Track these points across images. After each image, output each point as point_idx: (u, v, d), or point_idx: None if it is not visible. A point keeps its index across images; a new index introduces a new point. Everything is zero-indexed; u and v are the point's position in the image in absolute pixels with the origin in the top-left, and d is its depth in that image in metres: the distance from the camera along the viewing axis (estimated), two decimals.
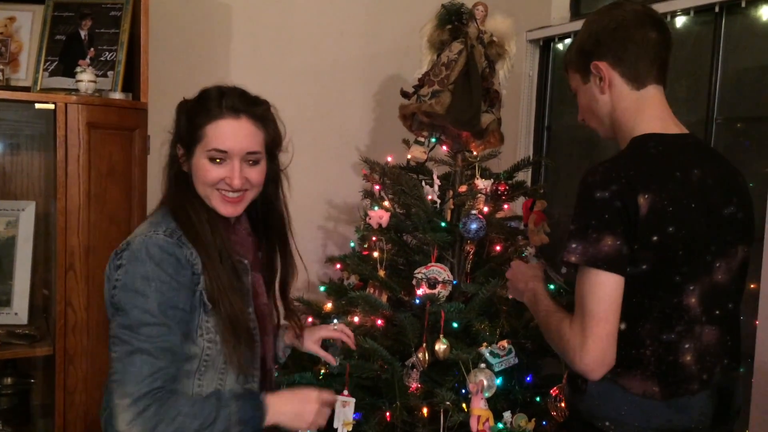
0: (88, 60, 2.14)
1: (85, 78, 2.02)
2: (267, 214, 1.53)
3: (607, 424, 1.32)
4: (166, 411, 1.25)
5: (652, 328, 1.30)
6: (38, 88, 2.16)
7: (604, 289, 1.24)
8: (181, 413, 1.26)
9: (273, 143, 1.45)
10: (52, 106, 1.93)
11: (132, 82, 2.20)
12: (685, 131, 1.41)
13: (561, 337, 1.31)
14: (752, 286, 2.25)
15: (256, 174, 1.40)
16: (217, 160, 1.36)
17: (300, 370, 2.16)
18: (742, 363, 2.22)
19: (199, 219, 1.38)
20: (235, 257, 1.41)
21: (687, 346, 1.31)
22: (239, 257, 1.43)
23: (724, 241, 1.34)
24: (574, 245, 1.26)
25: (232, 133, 1.36)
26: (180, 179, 1.42)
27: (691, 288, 1.30)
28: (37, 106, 1.93)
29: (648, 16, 1.39)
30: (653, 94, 1.40)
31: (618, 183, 1.25)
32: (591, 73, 1.43)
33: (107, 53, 2.20)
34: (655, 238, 1.25)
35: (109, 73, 2.19)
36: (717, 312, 1.35)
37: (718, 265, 1.34)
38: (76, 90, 2.03)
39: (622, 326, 1.29)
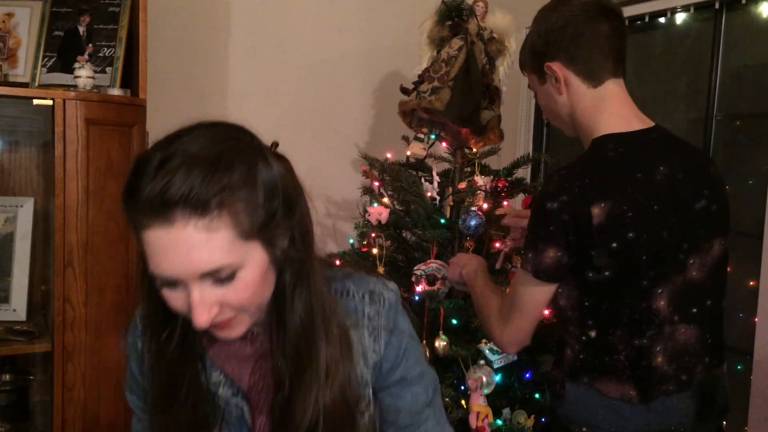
0: (86, 56, 2.13)
1: (84, 74, 2.01)
2: (282, 318, 0.95)
3: (584, 429, 1.32)
4: None
5: (623, 334, 1.28)
6: (36, 84, 2.15)
7: (536, 296, 1.34)
8: None
9: (265, 222, 0.87)
10: (50, 102, 1.92)
11: (131, 78, 2.19)
12: (650, 124, 1.37)
13: (489, 314, 1.48)
14: (751, 283, 2.25)
15: (235, 293, 0.87)
16: (173, 286, 0.87)
17: None
18: (741, 361, 2.22)
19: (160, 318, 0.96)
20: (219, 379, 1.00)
21: (659, 348, 1.29)
22: (229, 381, 1.01)
23: (697, 236, 1.31)
24: (529, 254, 1.31)
25: (164, 252, 0.83)
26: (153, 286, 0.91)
27: (660, 291, 1.28)
28: (35, 102, 1.92)
29: (597, 8, 1.35)
30: (611, 89, 1.36)
31: (569, 193, 1.24)
32: (546, 74, 1.39)
33: (106, 49, 2.19)
34: (614, 245, 1.23)
35: (108, 69, 2.18)
36: (694, 310, 1.32)
37: (692, 261, 1.31)
38: (75, 86, 2.02)
39: (592, 333, 1.30)
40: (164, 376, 0.98)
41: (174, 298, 0.87)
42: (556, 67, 1.36)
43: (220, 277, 0.85)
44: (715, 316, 1.38)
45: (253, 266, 0.86)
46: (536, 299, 1.34)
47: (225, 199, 0.81)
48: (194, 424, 0.99)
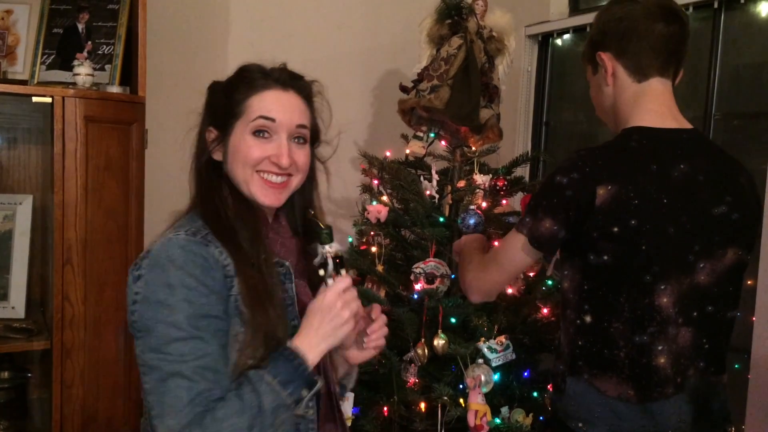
0: (85, 53, 2.13)
1: (83, 71, 2.01)
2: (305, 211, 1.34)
3: (579, 425, 1.32)
4: (212, 428, 1.04)
5: (624, 329, 1.29)
6: (35, 82, 2.15)
7: (520, 257, 1.40)
8: (225, 421, 1.04)
9: (316, 129, 1.33)
10: (49, 100, 1.92)
11: (129, 75, 2.19)
12: (686, 126, 1.38)
13: (469, 261, 1.58)
14: (749, 282, 2.25)
15: (304, 156, 1.24)
16: (264, 135, 1.18)
17: None
18: (738, 359, 2.22)
19: (230, 213, 1.18)
20: (275, 259, 1.19)
21: (660, 348, 1.29)
22: (279, 259, 1.21)
23: (710, 241, 1.30)
24: (527, 219, 1.36)
25: (280, 104, 1.21)
26: (210, 169, 1.23)
27: (663, 288, 1.27)
28: (35, 99, 1.92)
29: (659, 8, 1.36)
30: (655, 86, 1.38)
31: (579, 172, 1.28)
32: (598, 64, 1.43)
33: (105, 47, 2.19)
34: (615, 229, 1.25)
35: (107, 66, 2.18)
36: (694, 314, 1.31)
37: (702, 265, 1.29)
38: (74, 83, 2.02)
39: (588, 318, 1.31)
40: (256, 277, 1.13)
41: (260, 146, 1.19)
42: (606, 57, 1.40)
43: (302, 135, 1.24)
44: (720, 323, 1.36)
45: (308, 147, 1.29)
46: (518, 261, 1.40)
47: (311, 96, 1.33)
48: (282, 316, 1.15)
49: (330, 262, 1.18)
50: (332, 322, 1.14)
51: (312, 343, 1.13)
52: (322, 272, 1.17)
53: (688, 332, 1.31)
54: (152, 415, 1.06)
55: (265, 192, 1.20)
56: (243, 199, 1.21)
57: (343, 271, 1.19)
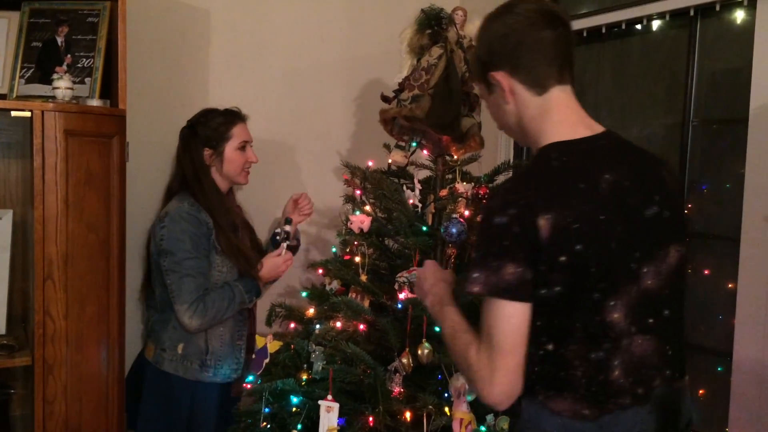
0: (65, 67, 2.12)
1: (62, 85, 2.00)
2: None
3: None
4: (208, 303, 2.18)
5: (579, 349, 1.24)
6: (14, 96, 2.14)
7: (510, 321, 1.21)
8: (215, 300, 2.20)
9: None
10: (28, 114, 1.91)
11: (110, 88, 2.19)
12: (599, 130, 1.34)
13: (469, 365, 1.27)
14: (730, 285, 2.28)
15: (252, 155, 2.42)
16: (243, 149, 2.37)
17: (284, 376, 2.15)
18: (721, 362, 2.25)
19: (212, 195, 2.30)
20: (232, 218, 2.35)
21: (616, 362, 1.25)
22: (234, 218, 2.36)
23: (649, 244, 1.27)
24: (476, 274, 1.23)
25: (245, 132, 2.40)
26: (205, 170, 2.33)
27: (612, 303, 1.23)
28: (13, 113, 1.90)
29: (540, 15, 1.32)
30: (557, 96, 1.34)
31: (516, 206, 1.21)
32: (492, 84, 1.37)
33: (84, 60, 2.18)
34: (563, 258, 1.19)
35: (87, 79, 2.17)
36: (650, 320, 1.28)
37: (645, 270, 1.26)
38: (53, 97, 2.01)
39: (549, 347, 1.24)
40: (225, 228, 2.28)
41: (241, 156, 2.36)
42: (500, 76, 1.35)
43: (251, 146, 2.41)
44: (675, 326, 1.33)
45: None
46: (513, 324, 1.21)
47: None
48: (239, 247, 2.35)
49: (284, 234, 2.40)
50: (275, 270, 2.38)
51: (263, 275, 2.35)
52: (278, 238, 2.40)
53: (647, 341, 1.27)
54: (173, 296, 2.18)
55: (245, 178, 2.43)
56: (217, 188, 2.36)
57: (284, 244, 2.38)
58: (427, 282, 1.57)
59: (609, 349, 1.24)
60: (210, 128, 2.33)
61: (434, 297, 1.52)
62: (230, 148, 2.34)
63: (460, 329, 1.36)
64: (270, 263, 2.34)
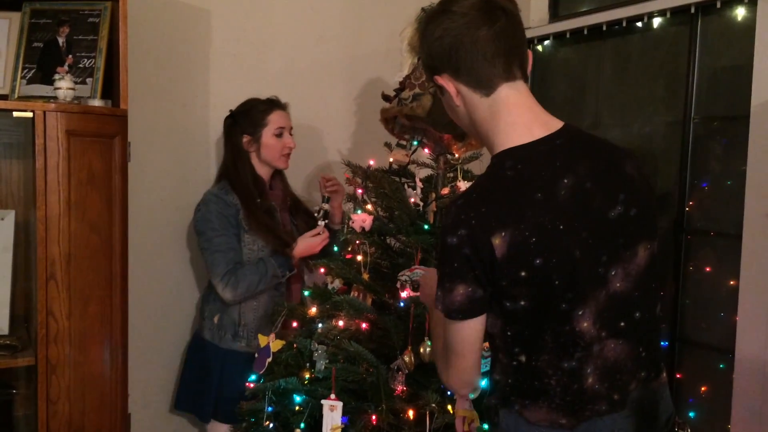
0: (66, 67, 2.12)
1: (64, 85, 2.00)
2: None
3: None
4: (239, 276, 2.36)
5: (551, 359, 1.22)
6: (16, 96, 2.14)
7: (462, 334, 1.26)
8: (247, 274, 2.38)
9: None
10: (30, 114, 1.91)
11: (111, 88, 2.19)
12: (555, 128, 1.27)
13: (437, 358, 1.41)
14: (732, 282, 2.28)
15: (292, 141, 2.58)
16: (281, 135, 2.51)
17: (286, 375, 2.16)
18: (723, 360, 2.24)
19: (246, 180, 2.48)
20: (268, 202, 2.52)
21: (590, 369, 1.23)
22: (271, 202, 2.53)
23: (616, 246, 1.22)
24: (438, 293, 1.25)
25: (284, 119, 2.55)
26: (243, 156, 2.52)
27: (581, 312, 1.20)
28: (15, 114, 1.91)
29: (477, 11, 1.23)
30: (506, 95, 1.27)
31: (467, 226, 1.17)
32: (441, 86, 1.32)
33: (86, 60, 2.18)
34: (523, 273, 1.17)
35: (88, 80, 2.17)
36: (622, 324, 1.24)
37: (613, 273, 1.22)
38: (55, 97, 2.01)
39: (522, 358, 1.24)
40: (253, 209, 2.46)
41: (278, 141, 2.51)
42: (444, 80, 1.29)
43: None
44: (648, 326, 1.29)
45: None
46: (464, 337, 1.26)
47: None
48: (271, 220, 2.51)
49: (322, 212, 2.53)
50: (309, 250, 2.49)
51: (297, 252, 2.48)
52: (316, 215, 2.55)
53: (620, 345, 1.24)
54: (210, 274, 2.43)
55: (285, 162, 2.58)
56: (254, 171, 2.53)
57: (321, 222, 2.51)
58: (426, 287, 1.61)
59: (581, 358, 1.22)
60: (248, 116, 2.51)
61: (431, 299, 1.53)
62: (267, 134, 2.50)
63: (435, 330, 1.47)
64: (304, 243, 2.48)
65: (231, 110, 2.57)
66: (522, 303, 1.20)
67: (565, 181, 1.20)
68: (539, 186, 1.19)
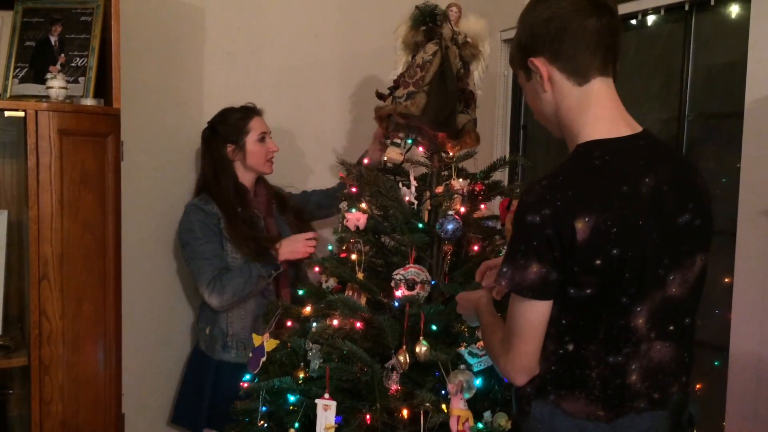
0: (58, 66, 2.11)
1: (56, 84, 2.00)
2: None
3: None
4: (225, 281, 2.37)
5: (597, 350, 1.24)
6: (8, 96, 2.13)
7: (528, 316, 1.26)
8: (232, 278, 2.38)
9: None
10: (22, 114, 1.90)
11: (104, 87, 2.18)
12: (638, 129, 1.30)
13: (492, 347, 1.40)
14: (726, 280, 2.28)
15: (273, 146, 2.59)
16: (263, 140, 2.53)
17: (280, 374, 2.15)
18: (718, 357, 2.25)
19: (227, 191, 2.48)
20: (250, 210, 2.52)
21: (634, 366, 1.25)
22: (253, 210, 2.54)
23: (679, 251, 1.26)
24: (504, 269, 1.25)
25: (263, 126, 2.56)
26: (227, 165, 2.52)
27: (639, 309, 1.23)
28: (7, 113, 1.90)
29: (588, 2, 1.26)
30: (598, 88, 1.29)
31: (552, 207, 1.18)
32: (531, 70, 1.32)
33: (78, 59, 2.17)
34: (598, 261, 1.18)
35: (81, 79, 2.16)
36: (671, 328, 1.27)
37: (672, 278, 1.25)
38: (47, 97, 2.00)
39: (570, 347, 1.25)
40: (233, 218, 2.45)
41: (262, 147, 2.53)
42: (540, 62, 1.29)
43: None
44: (693, 334, 1.34)
45: None
46: (530, 319, 1.26)
47: None
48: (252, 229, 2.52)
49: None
50: (292, 254, 2.50)
51: (282, 254, 2.47)
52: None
53: (666, 347, 1.27)
54: (196, 283, 2.43)
55: (270, 167, 2.59)
56: (236, 180, 2.53)
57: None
58: (462, 307, 1.69)
59: (628, 353, 1.25)
60: (229, 125, 2.50)
61: (473, 304, 1.60)
62: (251, 141, 2.51)
63: (490, 326, 1.46)
64: (288, 244, 2.49)
65: (209, 121, 2.58)
66: (588, 291, 1.21)
67: (647, 180, 1.23)
68: (625, 179, 1.22)
